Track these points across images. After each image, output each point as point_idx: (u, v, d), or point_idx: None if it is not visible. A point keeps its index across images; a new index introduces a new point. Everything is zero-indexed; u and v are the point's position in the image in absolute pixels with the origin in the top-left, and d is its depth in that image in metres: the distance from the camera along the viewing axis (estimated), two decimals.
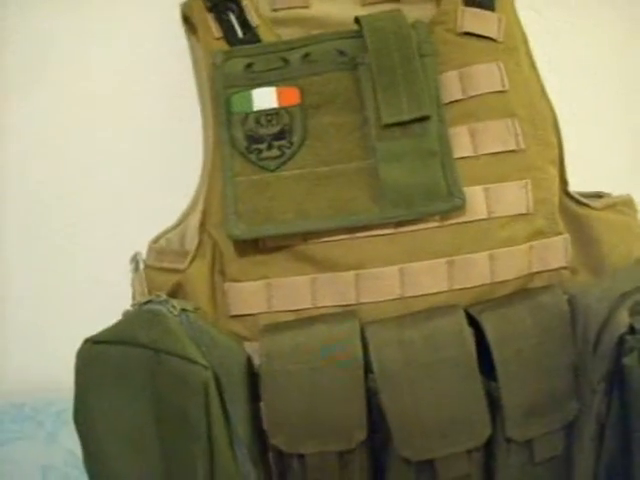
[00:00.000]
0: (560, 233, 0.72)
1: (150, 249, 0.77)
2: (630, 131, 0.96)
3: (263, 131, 0.70)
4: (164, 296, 0.68)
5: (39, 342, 0.96)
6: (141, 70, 0.91)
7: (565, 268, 0.72)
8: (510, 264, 0.70)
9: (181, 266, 0.72)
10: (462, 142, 0.70)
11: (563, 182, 0.73)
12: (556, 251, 0.72)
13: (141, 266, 0.75)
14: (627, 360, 0.64)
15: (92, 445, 0.70)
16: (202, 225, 0.72)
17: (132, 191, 0.91)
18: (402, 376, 0.65)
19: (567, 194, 0.73)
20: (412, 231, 0.69)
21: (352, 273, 0.69)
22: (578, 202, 0.73)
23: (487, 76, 0.71)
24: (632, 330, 0.65)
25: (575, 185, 0.75)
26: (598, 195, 0.77)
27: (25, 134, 0.93)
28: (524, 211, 0.70)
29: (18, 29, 0.93)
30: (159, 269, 0.74)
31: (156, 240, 0.79)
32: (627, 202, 0.76)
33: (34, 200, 0.93)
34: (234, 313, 0.71)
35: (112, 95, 0.91)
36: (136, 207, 0.90)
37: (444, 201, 0.68)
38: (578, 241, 0.73)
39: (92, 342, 0.68)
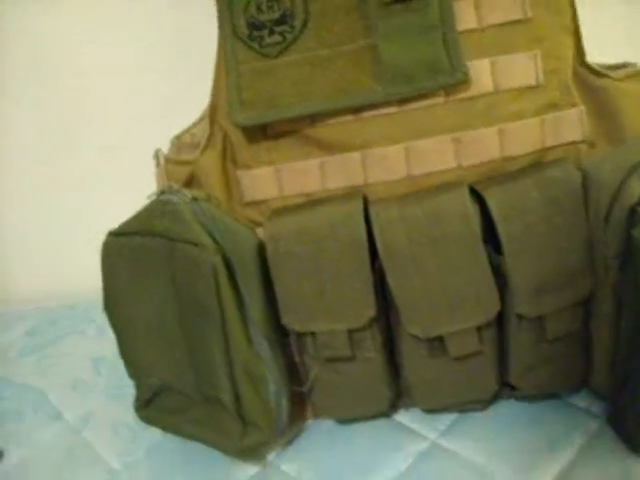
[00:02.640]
0: (575, 105, 0.69)
1: (172, 144, 0.80)
2: None
3: (264, 17, 0.69)
4: (176, 186, 0.70)
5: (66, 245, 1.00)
6: None
7: (582, 142, 0.70)
8: (521, 139, 0.68)
9: (193, 157, 0.73)
10: (466, 15, 0.67)
11: (579, 52, 0.70)
12: (571, 124, 0.69)
13: (162, 161, 0.77)
14: (636, 232, 0.62)
15: (122, 332, 0.74)
16: (212, 115, 0.73)
17: (159, 90, 0.92)
18: (406, 253, 0.65)
19: (584, 64, 0.70)
20: (417, 109, 0.68)
21: (358, 154, 0.69)
22: (596, 72, 0.70)
23: None
24: None
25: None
26: (623, 66, 0.73)
27: None
28: (534, 83, 0.68)
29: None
30: (177, 162, 0.76)
31: (180, 136, 0.81)
32: None
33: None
34: (248, 200, 0.73)
35: None
36: (163, 105, 0.92)
37: (447, 75, 0.66)
38: (596, 113, 0.70)
39: (114, 235, 0.71)
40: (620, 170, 0.64)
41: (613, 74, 0.71)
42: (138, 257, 0.70)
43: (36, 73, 1.02)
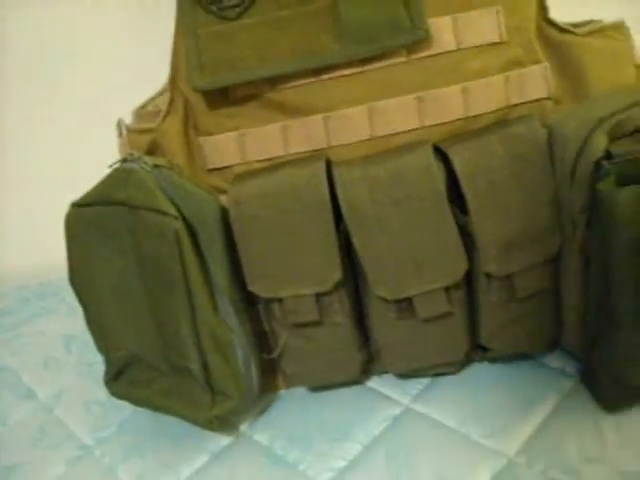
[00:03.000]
0: (539, 62, 0.69)
1: (133, 114, 0.79)
2: None
3: None
4: (137, 154, 0.69)
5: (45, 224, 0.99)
6: None
7: (547, 99, 0.69)
8: (485, 96, 0.68)
9: (154, 124, 0.72)
10: None
11: (542, 8, 0.69)
12: (535, 81, 0.69)
13: (124, 131, 0.76)
14: (601, 185, 0.61)
15: (89, 304, 0.73)
16: (173, 82, 0.72)
17: (124, 62, 0.91)
18: (370, 213, 0.64)
19: (547, 20, 0.69)
20: (378, 68, 0.67)
21: (321, 116, 0.68)
22: (560, 29, 0.70)
23: None
24: (609, 155, 0.62)
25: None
26: (587, 23, 0.73)
27: None
28: (497, 40, 0.67)
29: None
30: (137, 130, 0.75)
31: (143, 106, 0.80)
32: (617, 27, 0.72)
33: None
34: (211, 166, 0.72)
35: None
36: (128, 76, 0.91)
37: (407, 34, 0.65)
38: (561, 70, 0.70)
39: (76, 206, 0.70)
40: (585, 125, 0.63)
41: (577, 30, 0.70)
42: (101, 227, 0.69)
43: None
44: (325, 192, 0.64)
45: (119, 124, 0.77)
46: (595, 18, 0.74)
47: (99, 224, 0.69)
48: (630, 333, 0.64)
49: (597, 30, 0.71)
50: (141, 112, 0.78)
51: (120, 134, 0.77)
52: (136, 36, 0.95)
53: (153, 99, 0.80)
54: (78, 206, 0.70)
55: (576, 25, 0.72)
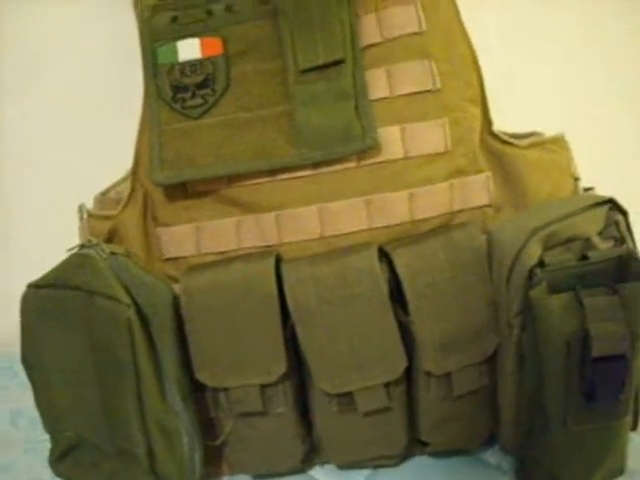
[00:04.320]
0: (481, 171, 0.73)
1: (95, 200, 0.81)
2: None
3: (188, 81, 0.72)
4: (95, 240, 0.72)
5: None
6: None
7: (489, 206, 0.73)
8: (430, 202, 0.71)
9: (115, 212, 0.75)
10: (379, 84, 0.71)
11: (487, 121, 0.74)
12: (478, 189, 0.73)
13: (85, 216, 0.79)
14: (534, 292, 0.65)
15: (38, 383, 0.74)
16: (134, 173, 0.75)
17: (87, 147, 0.94)
18: (315, 311, 0.67)
19: (490, 133, 0.74)
20: (330, 172, 0.71)
21: (273, 214, 0.71)
22: (502, 141, 0.74)
23: (404, 18, 0.72)
24: (542, 263, 0.66)
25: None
26: (530, 134, 0.77)
27: None
28: (442, 150, 0.71)
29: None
30: (98, 217, 0.77)
31: (105, 192, 0.82)
32: (557, 140, 0.77)
33: None
34: (167, 256, 0.74)
35: None
36: (90, 162, 0.93)
37: (358, 142, 0.69)
38: (503, 179, 0.74)
39: (33, 287, 0.72)
40: (521, 234, 0.67)
41: (518, 142, 0.74)
42: (56, 309, 0.71)
43: None
44: (273, 288, 0.67)
45: (81, 208, 0.79)
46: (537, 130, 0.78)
47: (54, 306, 0.70)
48: (560, 433, 0.67)
49: (538, 143, 0.76)
50: (103, 198, 0.80)
51: (81, 218, 0.79)
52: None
53: (115, 186, 0.83)
54: (35, 287, 0.71)
55: (518, 136, 0.76)
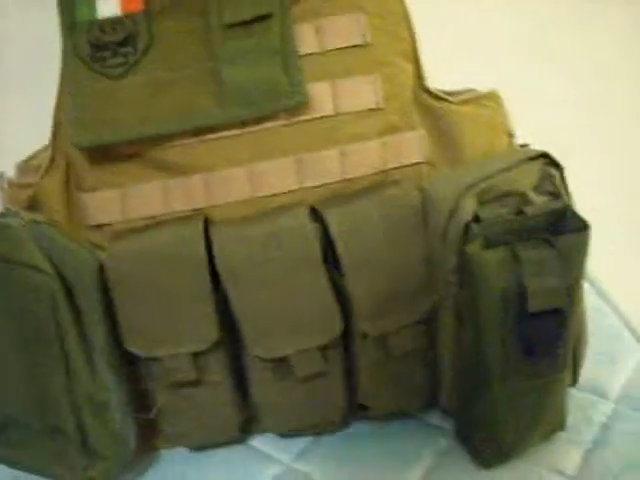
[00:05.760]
0: (414, 128, 0.71)
1: (16, 167, 0.78)
2: None
3: (107, 39, 0.69)
4: (15, 209, 0.68)
5: None
6: None
7: (423, 163, 0.72)
8: (362, 160, 0.70)
9: (34, 180, 0.71)
10: (307, 39, 0.69)
11: (419, 77, 0.72)
12: (411, 146, 0.71)
13: (5, 185, 0.75)
14: (469, 247, 0.63)
15: None
16: (54, 137, 0.71)
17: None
18: (247, 274, 0.65)
19: (423, 88, 0.72)
20: (258, 131, 0.68)
21: (201, 176, 0.69)
22: (436, 97, 0.72)
23: None
24: (477, 219, 0.65)
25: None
26: (465, 91, 0.76)
27: None
28: (374, 106, 0.70)
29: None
30: (18, 185, 0.74)
31: (27, 160, 0.79)
32: (491, 96, 0.75)
33: None
34: (91, 223, 0.71)
35: None
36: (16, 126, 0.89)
37: (286, 98, 0.67)
38: (437, 136, 0.72)
39: None
40: (456, 189, 0.66)
41: (452, 99, 0.73)
42: None
43: None
44: (202, 251, 0.65)
45: (1, 177, 0.76)
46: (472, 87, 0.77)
47: None
48: (499, 390, 0.66)
49: (472, 99, 0.74)
50: (24, 166, 0.77)
51: (1, 187, 0.75)
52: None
53: (38, 153, 0.79)
54: None
55: (452, 93, 0.75)
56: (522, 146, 0.77)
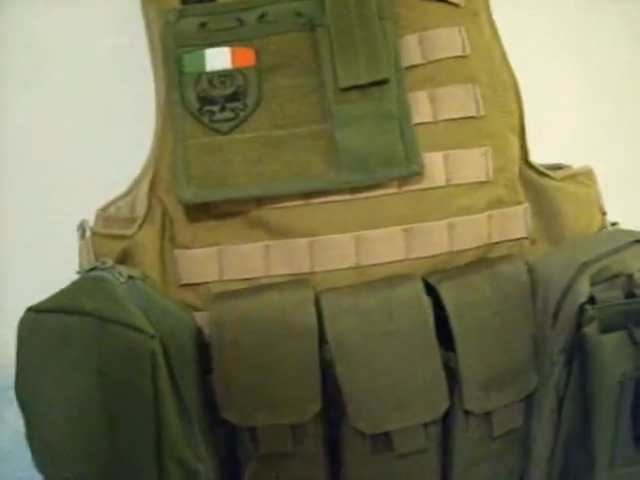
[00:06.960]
0: (520, 202, 0.71)
1: (98, 216, 0.75)
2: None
3: (216, 92, 0.67)
4: (110, 262, 0.65)
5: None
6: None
7: (525, 238, 0.71)
8: (469, 233, 0.69)
9: (129, 232, 0.69)
10: (421, 107, 0.68)
11: (524, 151, 0.72)
12: (516, 221, 0.71)
13: (87, 233, 0.72)
14: (587, 330, 0.63)
15: (33, 417, 0.66)
16: (152, 190, 0.69)
17: (83, 159, 0.87)
18: (358, 345, 0.63)
19: (528, 163, 0.72)
20: (369, 197, 0.67)
21: (306, 240, 0.67)
22: (539, 172, 0.72)
23: (448, 40, 0.69)
24: (592, 300, 0.64)
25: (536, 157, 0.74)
26: (558, 167, 0.76)
27: None
28: (484, 179, 0.69)
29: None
30: (106, 236, 0.71)
31: (105, 208, 0.76)
32: (587, 173, 0.75)
33: None
34: (185, 282, 0.68)
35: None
36: (87, 176, 0.87)
37: (402, 167, 0.66)
38: (538, 211, 0.72)
39: (34, 311, 0.65)
40: (568, 268, 0.65)
41: (553, 174, 0.72)
42: (60, 337, 0.64)
43: None
44: (313, 321, 0.63)
45: (82, 225, 0.73)
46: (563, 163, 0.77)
47: (60, 334, 0.64)
48: (605, 474, 0.65)
49: (570, 175, 0.74)
50: (108, 215, 0.74)
51: (83, 236, 0.72)
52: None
53: (114, 202, 0.76)
54: (36, 311, 0.65)
55: (549, 167, 0.74)
56: (612, 224, 0.77)
